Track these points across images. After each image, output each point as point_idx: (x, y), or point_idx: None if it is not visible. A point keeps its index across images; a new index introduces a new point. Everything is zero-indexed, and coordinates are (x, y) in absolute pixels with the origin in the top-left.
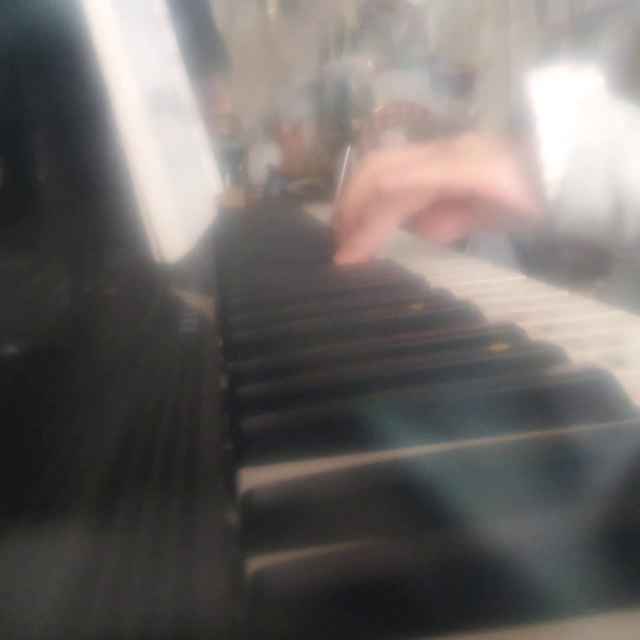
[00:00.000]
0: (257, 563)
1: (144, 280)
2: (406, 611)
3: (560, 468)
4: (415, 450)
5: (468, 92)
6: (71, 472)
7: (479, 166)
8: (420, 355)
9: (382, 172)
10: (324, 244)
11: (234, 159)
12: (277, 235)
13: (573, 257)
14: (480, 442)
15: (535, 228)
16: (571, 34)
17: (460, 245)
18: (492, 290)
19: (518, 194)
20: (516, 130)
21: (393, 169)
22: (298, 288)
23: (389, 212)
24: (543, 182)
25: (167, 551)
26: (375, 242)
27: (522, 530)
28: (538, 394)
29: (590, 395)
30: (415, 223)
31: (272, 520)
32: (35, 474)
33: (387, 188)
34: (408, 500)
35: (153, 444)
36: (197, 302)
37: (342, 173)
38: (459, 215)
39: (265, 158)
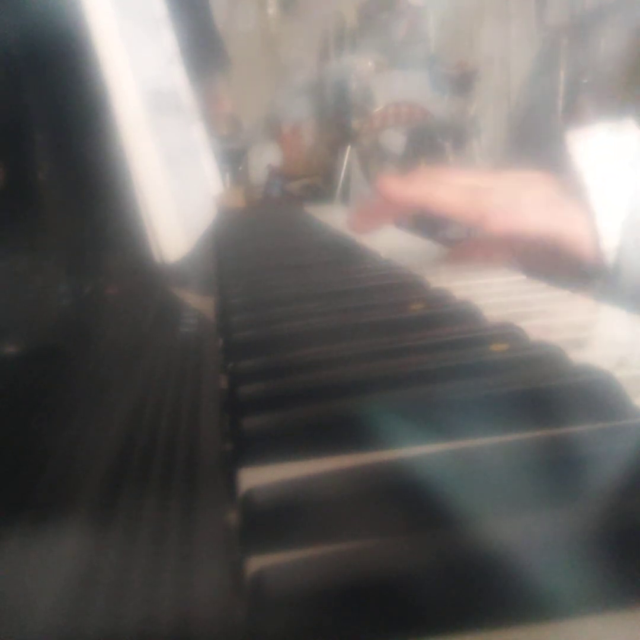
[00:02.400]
0: (257, 563)
1: (144, 280)
2: (406, 611)
3: (560, 468)
4: (415, 451)
5: (468, 92)
6: (71, 472)
7: (551, 212)
8: (420, 355)
9: (489, 206)
10: (325, 243)
11: (234, 159)
12: (277, 235)
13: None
14: (480, 442)
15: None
16: (571, 34)
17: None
18: (492, 290)
19: (584, 243)
20: (561, 177)
21: (501, 206)
22: (298, 288)
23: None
24: (601, 251)
25: (167, 551)
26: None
27: (522, 530)
28: (538, 394)
29: (590, 395)
30: (463, 247)
31: (272, 520)
32: (35, 474)
33: (496, 227)
34: (408, 501)
35: (153, 444)
36: (197, 302)
37: (342, 173)
38: (505, 248)
39: (265, 158)
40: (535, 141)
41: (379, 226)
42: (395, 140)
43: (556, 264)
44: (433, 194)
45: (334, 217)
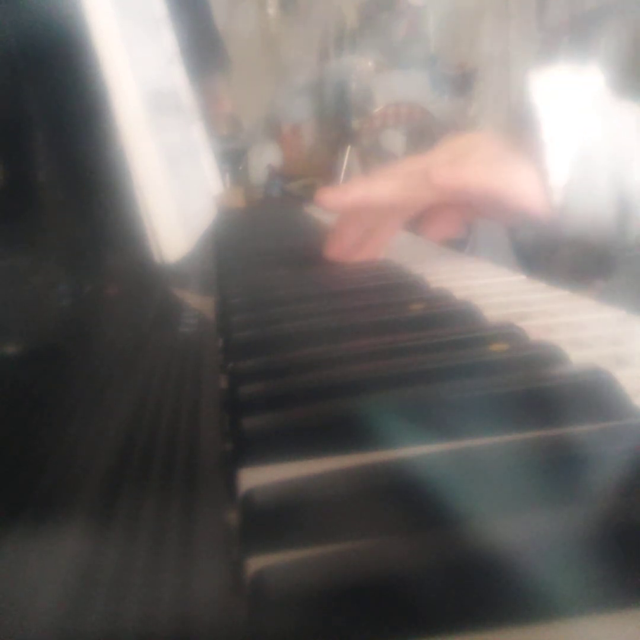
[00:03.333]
0: (257, 563)
1: (144, 280)
2: (406, 611)
3: (560, 468)
4: (415, 450)
5: (468, 92)
6: (71, 472)
7: (494, 169)
8: (420, 355)
9: (431, 166)
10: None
11: (234, 159)
12: (277, 235)
13: (573, 257)
14: (480, 442)
15: (539, 227)
16: (571, 34)
17: (460, 245)
18: (492, 290)
19: (528, 197)
20: (518, 130)
21: (442, 165)
22: (298, 288)
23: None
24: (549, 187)
25: (167, 551)
26: (367, 197)
27: (522, 530)
28: (538, 394)
29: (590, 395)
30: (414, 221)
31: (272, 521)
32: (35, 474)
33: (439, 181)
34: (408, 500)
35: (153, 444)
36: (197, 302)
37: (342, 173)
38: (460, 213)
39: (265, 158)
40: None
41: (360, 250)
42: (395, 140)
43: (504, 215)
44: (371, 190)
45: (333, 217)
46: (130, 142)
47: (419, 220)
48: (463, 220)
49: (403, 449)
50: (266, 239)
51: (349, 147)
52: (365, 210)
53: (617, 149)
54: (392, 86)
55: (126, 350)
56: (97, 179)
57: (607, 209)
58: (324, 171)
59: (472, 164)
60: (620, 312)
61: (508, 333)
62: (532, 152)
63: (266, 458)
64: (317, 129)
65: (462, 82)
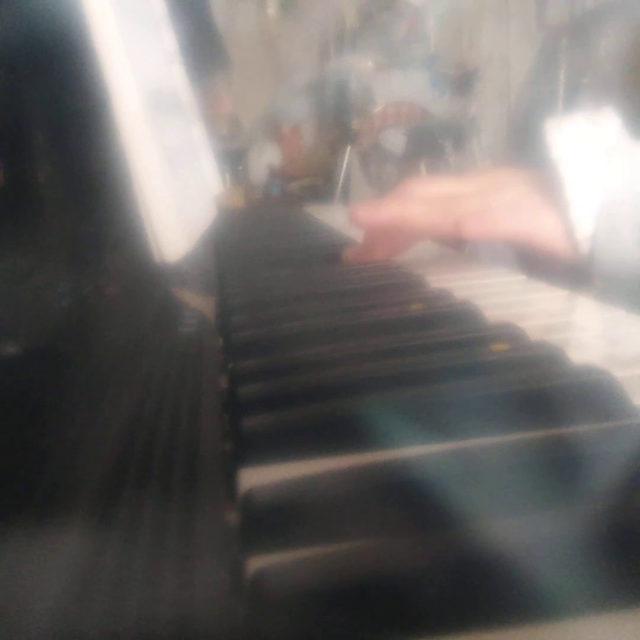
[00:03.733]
0: (257, 563)
1: (144, 280)
2: (406, 611)
3: (560, 468)
4: (415, 451)
5: (468, 91)
6: (71, 472)
7: (522, 216)
8: (420, 355)
9: (461, 214)
10: (325, 243)
11: (234, 159)
12: (276, 235)
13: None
14: (480, 442)
15: (566, 271)
16: (571, 34)
17: (460, 245)
18: (492, 290)
19: (556, 243)
20: (538, 173)
21: (473, 213)
22: (298, 288)
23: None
24: (575, 240)
25: (167, 551)
26: (401, 217)
27: (522, 530)
28: (538, 394)
29: (590, 395)
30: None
31: (272, 520)
32: (35, 474)
33: (469, 234)
34: (408, 500)
35: (153, 443)
36: (197, 302)
37: (342, 173)
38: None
39: (265, 158)
40: (535, 141)
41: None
42: (395, 140)
43: (534, 262)
44: (404, 212)
45: (334, 217)
46: (130, 142)
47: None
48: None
49: (403, 449)
50: (266, 239)
51: (349, 147)
52: (395, 229)
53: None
54: (392, 86)
55: (126, 350)
56: (97, 179)
57: (634, 255)
58: (324, 171)
59: (500, 209)
60: (620, 312)
61: (508, 333)
62: (556, 201)
63: (266, 458)
64: (317, 129)
65: (462, 82)
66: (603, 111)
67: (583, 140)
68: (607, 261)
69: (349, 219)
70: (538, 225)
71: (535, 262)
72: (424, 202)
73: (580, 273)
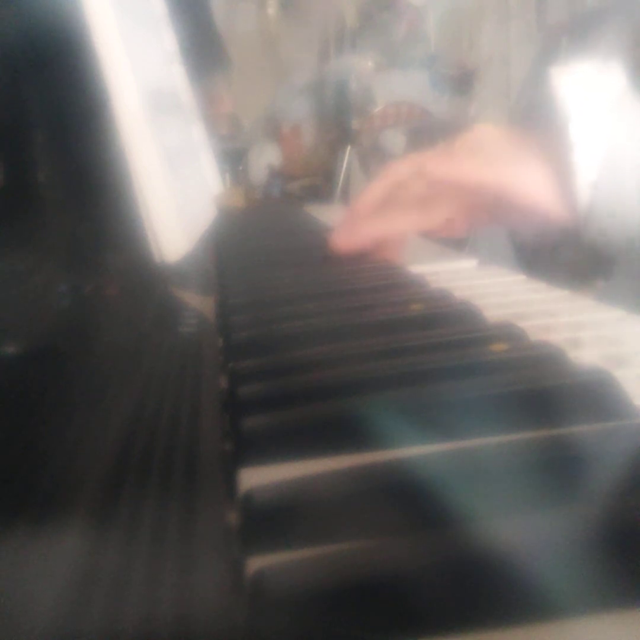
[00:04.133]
0: (257, 563)
1: (144, 280)
2: (406, 611)
3: (560, 468)
4: (415, 450)
5: (468, 91)
6: (71, 472)
7: (511, 167)
8: (420, 355)
9: (428, 159)
10: (325, 240)
11: (234, 159)
12: (276, 235)
13: (573, 257)
14: (480, 442)
15: (560, 231)
16: (571, 34)
17: (460, 245)
18: (492, 290)
19: (549, 198)
20: (530, 126)
21: (439, 158)
22: (298, 288)
23: (415, 210)
24: (575, 187)
25: (167, 551)
26: (381, 234)
27: (523, 530)
28: (538, 394)
29: (590, 395)
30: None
31: (272, 520)
32: (35, 474)
33: (434, 174)
34: (408, 501)
35: (153, 443)
36: (197, 302)
37: (342, 173)
38: (473, 213)
39: (265, 158)
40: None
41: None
42: (395, 140)
43: (509, 217)
44: (381, 228)
45: (334, 217)
46: (130, 142)
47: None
48: (472, 222)
49: (403, 449)
50: (266, 239)
51: (349, 147)
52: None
53: None
54: (392, 86)
55: (126, 350)
56: (97, 179)
57: (635, 209)
58: (324, 171)
59: (474, 158)
60: (620, 312)
61: (508, 333)
62: (558, 150)
63: (266, 458)
64: (317, 129)
65: (462, 82)
66: (610, 63)
67: (589, 87)
68: (605, 212)
69: (332, 250)
70: (520, 176)
71: (513, 218)
72: (404, 207)
73: (567, 228)
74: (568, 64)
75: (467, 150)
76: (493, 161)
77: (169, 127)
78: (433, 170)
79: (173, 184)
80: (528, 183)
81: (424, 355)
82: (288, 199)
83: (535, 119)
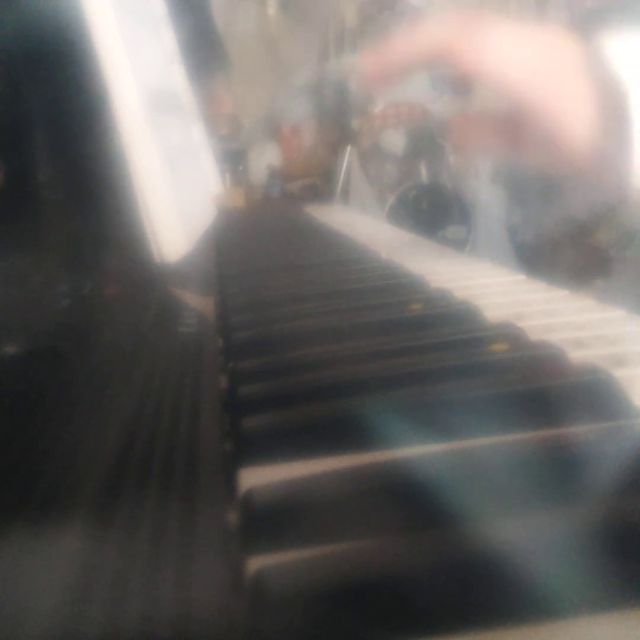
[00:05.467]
0: (257, 563)
1: (143, 280)
2: (406, 611)
3: (560, 468)
4: (415, 451)
5: (468, 91)
6: (71, 472)
7: (541, 77)
8: (420, 355)
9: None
10: (324, 243)
11: (234, 159)
12: (277, 235)
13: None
14: (480, 442)
15: (561, 179)
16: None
17: (460, 245)
18: (492, 290)
19: (577, 134)
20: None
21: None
22: (298, 288)
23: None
24: (632, 157)
25: (167, 551)
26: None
27: (522, 530)
28: (538, 394)
29: (590, 395)
30: (457, 130)
31: (272, 520)
32: (35, 474)
33: (466, 65)
34: (408, 501)
35: (153, 443)
36: (197, 302)
37: (342, 173)
38: (507, 138)
39: (265, 158)
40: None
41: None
42: (395, 140)
43: (530, 147)
44: (412, 43)
45: (334, 217)
46: (130, 142)
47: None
48: (503, 148)
49: (403, 449)
50: (266, 239)
51: (349, 147)
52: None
53: None
54: None
55: (126, 350)
56: (97, 179)
57: None
58: (324, 171)
59: (522, 60)
60: (620, 312)
61: (508, 333)
62: (617, 125)
63: (266, 458)
64: (317, 129)
65: (462, 82)
66: None
67: None
68: None
69: (362, 80)
70: (563, 98)
71: (532, 149)
72: (434, 30)
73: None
74: (616, 32)
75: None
76: (532, 69)
77: (169, 127)
78: (467, 61)
79: (173, 184)
80: (561, 108)
81: (424, 355)
82: (288, 199)
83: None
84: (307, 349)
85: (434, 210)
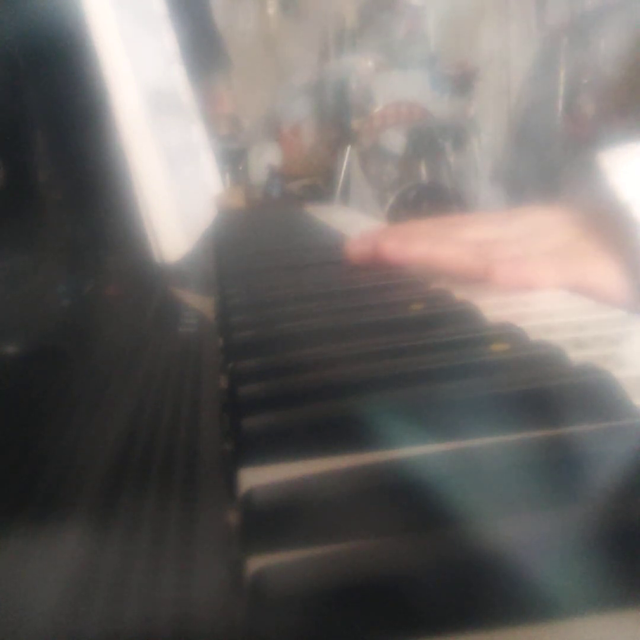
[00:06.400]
0: (258, 563)
1: (144, 280)
2: (406, 611)
3: (560, 468)
4: (415, 451)
5: (468, 91)
6: (71, 472)
7: (565, 265)
8: (420, 355)
9: (495, 259)
10: (325, 243)
11: (234, 159)
12: (276, 235)
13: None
14: (480, 443)
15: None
16: (571, 34)
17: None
18: (492, 290)
19: (608, 288)
20: (595, 209)
21: (508, 260)
22: (298, 288)
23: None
24: None
25: (167, 551)
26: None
27: (522, 530)
28: (538, 394)
29: (590, 395)
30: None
31: (272, 520)
32: (35, 474)
33: (502, 282)
34: (408, 500)
35: (153, 443)
36: (197, 302)
37: (342, 173)
38: None
39: (265, 158)
40: (535, 141)
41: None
42: (395, 140)
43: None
44: (435, 252)
45: (333, 217)
46: (130, 142)
47: None
48: None
49: (403, 449)
50: (266, 239)
51: (349, 147)
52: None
53: None
54: (392, 86)
55: (126, 350)
56: (97, 179)
57: None
58: (324, 171)
59: (540, 257)
60: (620, 312)
61: (508, 333)
62: (626, 243)
63: (266, 458)
64: (317, 129)
65: (462, 82)
66: None
67: None
68: None
69: (374, 250)
70: (587, 272)
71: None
72: (456, 243)
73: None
74: (618, 150)
75: (529, 236)
76: (557, 259)
77: (169, 127)
78: (501, 277)
79: (173, 184)
80: (591, 279)
81: (424, 356)
82: (288, 198)
83: (582, 204)
84: (307, 349)
85: (434, 210)
